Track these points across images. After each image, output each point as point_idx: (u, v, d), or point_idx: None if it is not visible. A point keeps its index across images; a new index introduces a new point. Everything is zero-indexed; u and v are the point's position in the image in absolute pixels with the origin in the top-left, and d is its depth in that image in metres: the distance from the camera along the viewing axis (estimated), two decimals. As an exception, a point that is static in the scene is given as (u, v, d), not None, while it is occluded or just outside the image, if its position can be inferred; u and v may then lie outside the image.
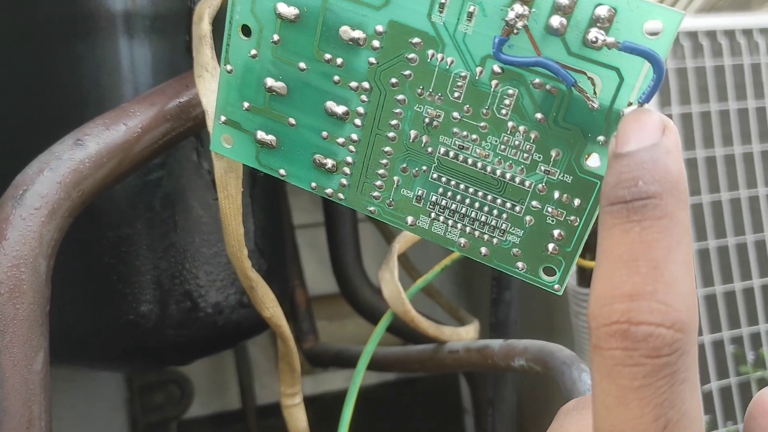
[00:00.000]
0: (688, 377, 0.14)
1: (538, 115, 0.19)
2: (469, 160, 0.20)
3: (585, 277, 0.31)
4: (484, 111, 0.19)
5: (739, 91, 0.93)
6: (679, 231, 0.15)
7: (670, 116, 0.92)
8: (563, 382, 0.27)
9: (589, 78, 0.18)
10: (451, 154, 0.20)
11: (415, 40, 0.19)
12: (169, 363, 0.39)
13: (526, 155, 0.20)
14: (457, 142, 0.20)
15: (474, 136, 0.20)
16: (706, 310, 0.88)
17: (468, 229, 0.21)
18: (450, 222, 0.21)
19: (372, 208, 0.22)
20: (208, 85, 0.24)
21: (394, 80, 0.20)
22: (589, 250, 0.30)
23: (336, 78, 0.21)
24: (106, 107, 0.28)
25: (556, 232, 0.20)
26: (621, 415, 0.14)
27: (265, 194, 0.36)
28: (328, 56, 0.20)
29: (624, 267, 0.15)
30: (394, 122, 0.21)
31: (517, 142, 0.19)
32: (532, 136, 0.19)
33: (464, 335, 0.34)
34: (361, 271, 0.43)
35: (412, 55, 0.19)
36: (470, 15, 0.18)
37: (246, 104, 0.22)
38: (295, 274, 0.46)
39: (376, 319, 0.34)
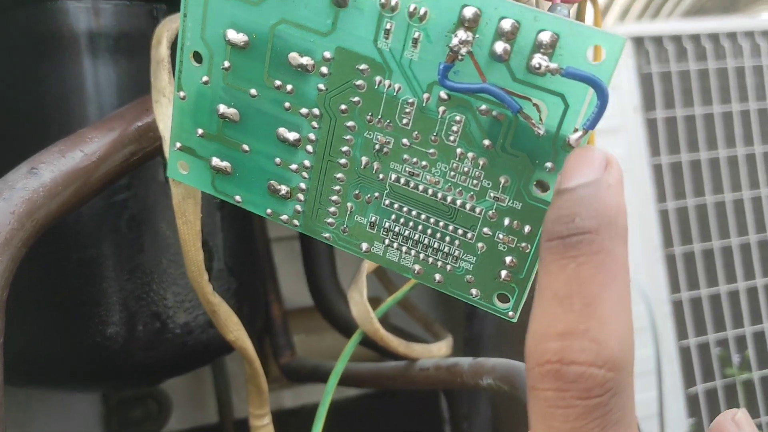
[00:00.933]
0: (622, 417, 0.14)
1: (486, 142, 0.19)
2: (420, 187, 0.20)
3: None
4: (433, 137, 0.19)
5: (724, 95, 0.94)
6: (615, 266, 0.15)
7: (653, 120, 0.92)
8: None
9: (534, 104, 0.18)
10: (402, 180, 0.20)
11: (363, 66, 0.19)
12: (140, 384, 0.39)
13: (475, 182, 0.19)
14: (407, 169, 0.20)
15: (424, 163, 0.20)
16: (691, 313, 0.89)
17: (422, 255, 0.21)
18: (404, 248, 0.21)
19: (327, 235, 0.22)
20: (165, 111, 0.24)
21: (343, 107, 0.20)
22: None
23: (287, 104, 0.21)
24: (70, 128, 0.27)
25: (508, 259, 0.20)
26: None
27: (236, 212, 0.35)
28: (278, 83, 0.20)
29: (558, 304, 0.15)
30: (345, 149, 0.20)
31: (466, 169, 0.19)
32: (481, 162, 0.19)
33: (436, 352, 0.34)
34: (336, 285, 0.43)
35: (360, 82, 0.19)
36: (415, 41, 0.18)
37: (200, 131, 0.22)
38: (271, 288, 0.46)
39: (351, 333, 0.34)
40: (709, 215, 0.89)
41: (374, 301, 0.34)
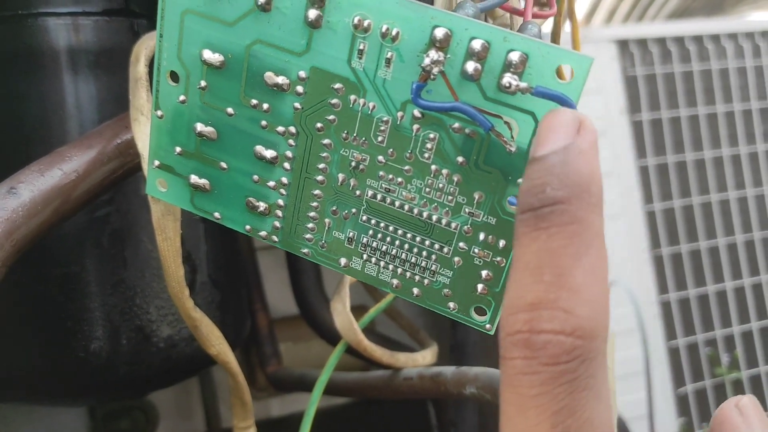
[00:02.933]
0: (592, 384, 0.14)
1: (460, 159, 0.19)
2: (396, 203, 0.20)
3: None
4: (408, 155, 0.20)
5: (708, 96, 0.95)
6: (587, 236, 0.14)
7: (639, 122, 0.93)
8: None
9: (505, 122, 0.18)
10: (379, 196, 0.20)
11: (337, 85, 0.19)
12: (125, 398, 0.39)
13: (450, 198, 0.20)
14: (383, 185, 0.20)
15: (399, 179, 0.20)
16: (680, 313, 0.89)
17: (399, 270, 0.21)
18: (382, 263, 0.21)
19: (305, 250, 0.22)
20: (144, 129, 0.24)
21: (319, 125, 0.20)
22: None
23: (263, 123, 0.21)
24: (51, 145, 0.27)
25: (484, 273, 0.20)
26: (519, 425, 0.14)
27: (219, 225, 0.35)
28: (254, 101, 0.20)
29: (530, 275, 0.15)
30: (321, 166, 0.21)
31: (441, 185, 0.20)
32: (455, 179, 0.19)
33: (420, 361, 0.35)
34: (321, 294, 0.43)
35: (335, 101, 0.20)
36: (388, 61, 0.18)
37: (178, 149, 0.22)
38: (257, 297, 0.46)
39: (337, 342, 0.34)
40: (696, 216, 0.90)
41: (360, 309, 0.34)
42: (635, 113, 0.92)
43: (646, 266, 0.85)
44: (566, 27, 0.28)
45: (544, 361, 0.14)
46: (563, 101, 0.17)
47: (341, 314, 0.31)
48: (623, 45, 0.92)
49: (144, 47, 0.26)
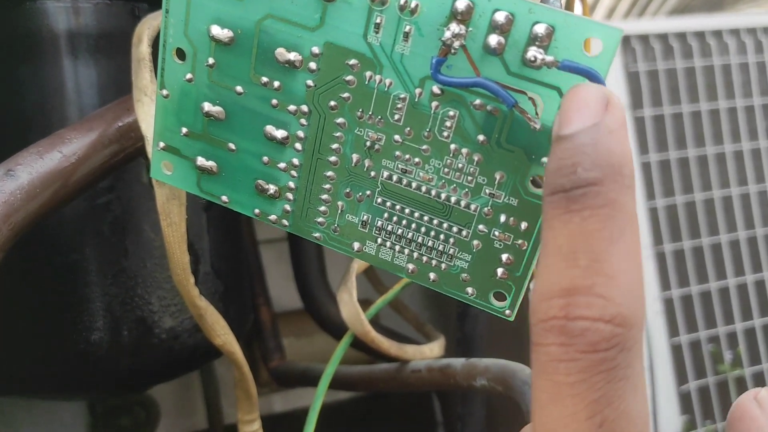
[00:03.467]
0: (630, 374, 0.13)
1: (481, 137, 0.18)
2: (413, 184, 0.19)
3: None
4: (426, 133, 0.19)
5: (710, 92, 0.94)
6: (622, 219, 0.14)
7: (641, 119, 0.92)
8: (524, 403, 0.26)
9: (530, 98, 0.17)
10: (395, 178, 0.20)
11: (352, 61, 0.19)
12: (126, 391, 0.38)
13: (470, 178, 0.19)
14: (399, 166, 0.19)
15: (417, 160, 0.19)
16: (682, 310, 0.89)
17: (415, 254, 0.20)
18: (397, 247, 0.21)
19: (317, 235, 0.21)
20: (148, 110, 0.23)
21: (332, 103, 0.19)
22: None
23: (274, 101, 0.20)
24: (51, 130, 0.27)
25: (504, 257, 0.19)
26: (554, 413, 0.14)
27: (222, 214, 0.35)
28: (265, 79, 0.20)
29: (563, 260, 0.14)
30: (335, 146, 0.20)
31: (460, 165, 0.19)
32: (476, 158, 0.19)
33: (428, 353, 0.34)
34: (325, 287, 0.43)
35: (349, 77, 0.19)
36: (406, 35, 0.18)
37: (184, 130, 0.21)
38: (260, 291, 0.45)
39: (341, 336, 0.33)
40: (698, 212, 0.89)
41: (364, 303, 0.33)
42: (637, 109, 0.91)
43: (648, 263, 0.85)
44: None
45: (582, 348, 0.13)
46: (592, 76, 0.16)
47: (348, 304, 0.30)
48: (625, 41, 0.91)
49: (147, 27, 0.25)
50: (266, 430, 0.33)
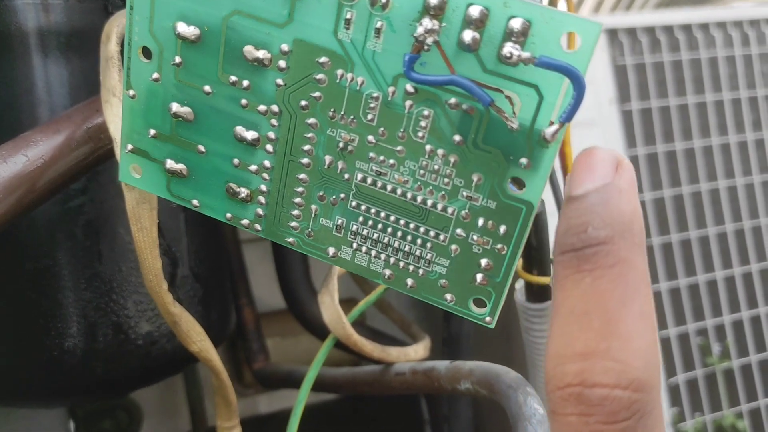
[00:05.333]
0: None
1: (457, 138, 0.18)
2: (388, 187, 0.19)
3: (533, 292, 0.30)
4: (400, 134, 0.18)
5: (697, 85, 0.94)
6: (634, 278, 0.14)
7: (629, 112, 0.92)
8: (509, 407, 0.25)
9: (506, 96, 0.17)
10: (369, 180, 0.19)
11: (323, 59, 0.18)
12: (104, 397, 0.37)
13: (446, 180, 0.18)
14: (374, 168, 0.19)
15: (391, 161, 0.18)
16: (670, 303, 0.89)
17: (392, 259, 0.20)
18: (373, 252, 0.20)
19: (291, 239, 0.21)
20: (116, 111, 0.23)
21: (303, 103, 0.19)
22: (537, 266, 0.29)
23: (244, 101, 0.19)
24: (22, 131, 0.26)
25: (483, 262, 0.19)
26: None
27: (201, 215, 0.34)
28: (233, 78, 0.19)
29: (576, 322, 0.14)
30: (307, 147, 0.19)
31: (436, 167, 0.18)
32: (452, 159, 0.18)
33: (413, 355, 0.33)
34: (309, 287, 0.42)
35: (320, 76, 0.18)
36: (378, 31, 0.17)
37: (152, 131, 0.21)
38: (243, 292, 0.44)
39: (326, 336, 0.32)
40: (686, 205, 0.89)
41: (349, 302, 0.33)
42: (625, 103, 0.91)
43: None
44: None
45: (602, 419, 0.13)
46: (570, 72, 0.16)
47: (329, 308, 0.30)
48: (612, 34, 0.91)
49: (116, 25, 0.24)
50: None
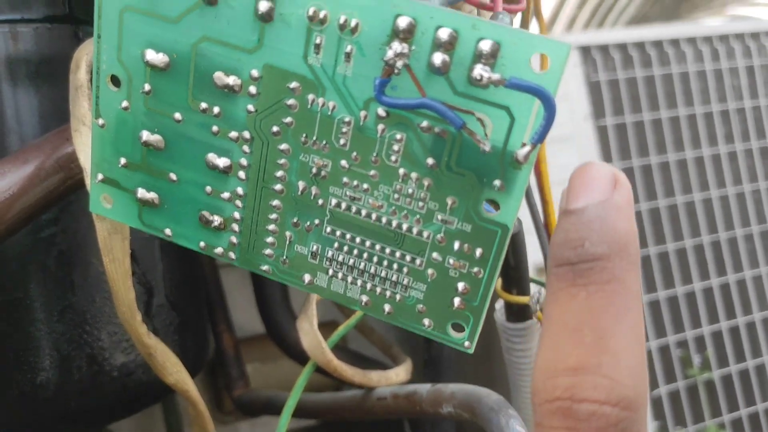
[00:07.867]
0: None
1: (430, 161, 0.17)
2: (363, 212, 0.19)
3: (513, 312, 0.30)
4: (373, 158, 0.18)
5: (670, 100, 0.95)
6: (627, 296, 0.14)
7: (604, 127, 0.93)
8: (491, 430, 0.25)
9: (478, 119, 0.16)
10: (343, 205, 0.19)
11: (293, 84, 0.18)
12: (79, 431, 0.36)
13: (421, 204, 0.18)
14: (348, 193, 0.19)
15: (365, 186, 0.18)
16: (651, 315, 0.89)
17: (369, 285, 0.19)
18: (349, 279, 0.20)
19: (266, 267, 0.20)
20: (86, 140, 0.22)
21: (275, 128, 0.18)
22: (516, 285, 0.29)
23: (215, 128, 0.19)
24: (-11, 161, 0.25)
25: (460, 286, 0.19)
26: None
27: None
28: (204, 105, 0.19)
29: (568, 336, 0.14)
30: (280, 174, 0.19)
31: (410, 191, 0.18)
32: (426, 183, 0.18)
33: (394, 378, 0.33)
34: (288, 312, 0.41)
35: (291, 101, 0.18)
36: (348, 56, 0.17)
37: (123, 160, 0.20)
38: (221, 318, 0.44)
39: (306, 361, 0.32)
40: (663, 218, 0.90)
41: (330, 326, 0.32)
42: (599, 118, 0.92)
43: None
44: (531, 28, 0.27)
45: None
46: (540, 93, 0.16)
47: (308, 334, 0.29)
48: (585, 51, 0.92)
49: (85, 53, 0.24)
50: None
